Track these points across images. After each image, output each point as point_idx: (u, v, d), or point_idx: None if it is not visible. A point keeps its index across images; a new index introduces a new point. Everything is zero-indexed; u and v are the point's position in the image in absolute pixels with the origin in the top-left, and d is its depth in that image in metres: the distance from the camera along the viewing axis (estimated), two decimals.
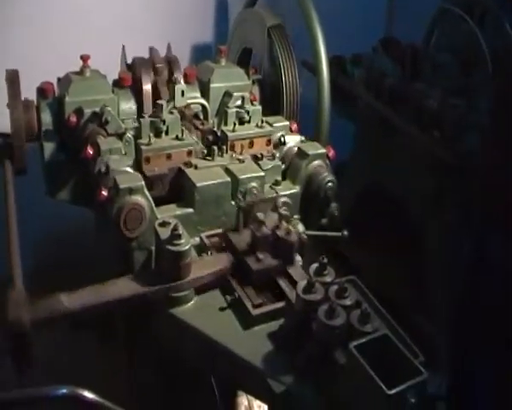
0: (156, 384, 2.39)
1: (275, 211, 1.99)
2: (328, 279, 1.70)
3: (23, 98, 2.34)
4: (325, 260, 1.71)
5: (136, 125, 2.29)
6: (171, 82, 2.44)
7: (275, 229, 1.91)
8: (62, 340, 2.54)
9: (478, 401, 2.53)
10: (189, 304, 1.84)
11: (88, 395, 1.46)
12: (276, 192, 2.23)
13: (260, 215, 1.94)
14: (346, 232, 2.10)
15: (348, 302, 1.62)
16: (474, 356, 2.54)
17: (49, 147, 2.36)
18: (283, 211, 1.97)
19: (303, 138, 2.47)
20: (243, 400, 2.25)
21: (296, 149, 2.37)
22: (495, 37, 3.19)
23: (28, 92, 2.39)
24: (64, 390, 1.44)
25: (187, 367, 2.11)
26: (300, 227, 2.06)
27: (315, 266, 1.73)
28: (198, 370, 2.09)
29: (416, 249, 3.22)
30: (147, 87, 2.45)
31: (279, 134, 2.45)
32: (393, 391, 1.35)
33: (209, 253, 1.98)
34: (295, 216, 2.19)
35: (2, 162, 2.30)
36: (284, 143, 2.42)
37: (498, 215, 2.31)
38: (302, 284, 1.65)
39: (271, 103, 2.74)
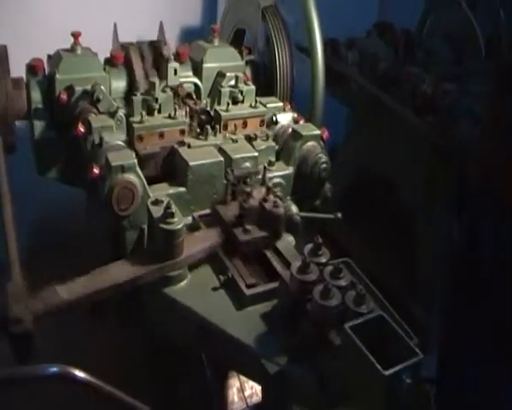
0: (147, 364, 2.38)
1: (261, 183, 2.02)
2: (322, 260, 1.68)
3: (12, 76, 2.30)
4: (320, 241, 1.69)
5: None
6: (163, 61, 2.40)
7: (262, 201, 1.91)
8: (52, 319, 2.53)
9: (466, 383, 2.54)
10: (182, 283, 1.82)
11: (79, 373, 1.44)
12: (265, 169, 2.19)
13: (248, 188, 1.95)
14: (339, 214, 2.08)
15: (343, 283, 1.60)
16: (464, 338, 2.55)
17: (38, 125, 2.32)
18: (271, 184, 1.98)
19: (295, 115, 2.45)
20: (235, 381, 2.23)
21: (290, 129, 2.34)
22: (488, 22, 3.18)
23: (18, 70, 2.35)
24: (55, 369, 1.42)
25: (179, 347, 2.09)
26: (294, 208, 2.04)
27: (309, 246, 1.71)
28: (190, 350, 2.07)
29: (406, 232, 3.22)
30: (138, 69, 2.41)
31: (271, 114, 2.42)
32: (389, 372, 1.34)
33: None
34: (288, 197, 2.16)
35: None
36: (276, 123, 2.40)
37: (492, 195, 2.31)
38: (297, 264, 1.63)
39: (264, 85, 2.71)
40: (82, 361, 1.53)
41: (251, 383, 2.22)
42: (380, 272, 2.42)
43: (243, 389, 2.24)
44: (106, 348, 2.50)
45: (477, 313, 2.47)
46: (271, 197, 1.92)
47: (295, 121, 2.44)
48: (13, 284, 1.60)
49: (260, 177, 2.10)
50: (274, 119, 2.41)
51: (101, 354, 2.43)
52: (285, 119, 2.43)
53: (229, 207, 1.97)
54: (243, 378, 2.22)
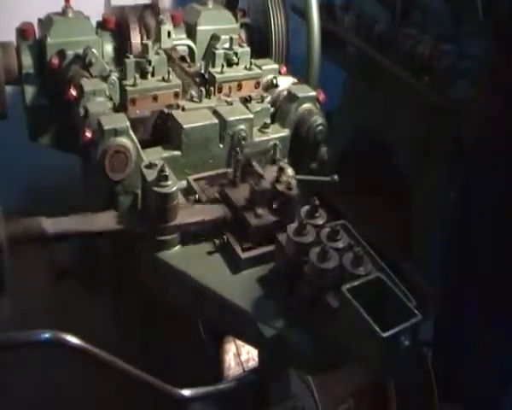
0: (142, 331, 2.37)
1: (273, 162, 1.94)
2: (319, 222, 1.65)
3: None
4: (317, 202, 1.67)
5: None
6: (158, 23, 2.37)
7: (275, 183, 1.83)
8: (46, 288, 2.52)
9: (464, 345, 2.55)
10: (176, 248, 1.79)
11: (72, 339, 1.43)
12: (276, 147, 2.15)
13: (259, 168, 1.88)
14: (335, 177, 2.06)
15: (340, 245, 1.58)
16: (462, 297, 2.55)
17: (30, 90, 2.29)
18: (283, 164, 1.91)
19: (295, 80, 2.40)
20: (231, 346, 2.22)
21: (286, 92, 2.31)
22: None
23: (7, 34, 2.30)
24: (47, 335, 1.41)
25: (174, 312, 2.07)
26: (290, 171, 2.00)
27: (306, 208, 1.68)
28: (185, 315, 2.06)
29: (403, 195, 3.22)
30: (135, 35, 2.38)
31: (270, 76, 2.38)
32: (388, 334, 1.32)
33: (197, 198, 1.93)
34: (285, 160, 2.14)
35: None
36: (276, 86, 2.35)
37: (490, 147, 2.31)
38: (293, 226, 1.60)
39: (259, 47, 2.67)
40: (74, 325, 1.52)
41: (247, 347, 2.21)
42: (376, 235, 2.40)
43: (240, 354, 2.23)
44: (99, 311, 2.49)
45: (476, 269, 2.47)
46: (284, 178, 1.84)
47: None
48: None
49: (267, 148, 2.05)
50: (274, 81, 2.36)
51: (94, 317, 2.42)
52: (285, 82, 2.38)
53: (238, 189, 1.89)
54: (239, 343, 2.21)
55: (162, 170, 1.70)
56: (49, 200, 3.06)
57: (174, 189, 1.70)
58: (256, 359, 2.09)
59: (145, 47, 2.18)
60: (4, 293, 1.58)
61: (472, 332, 2.51)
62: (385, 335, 1.31)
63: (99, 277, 2.33)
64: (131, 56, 2.18)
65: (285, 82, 2.38)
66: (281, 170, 1.86)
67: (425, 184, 3.12)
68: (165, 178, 1.69)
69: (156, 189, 1.69)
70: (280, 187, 1.82)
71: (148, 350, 2.31)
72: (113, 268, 2.22)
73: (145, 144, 2.03)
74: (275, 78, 2.38)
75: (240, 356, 2.22)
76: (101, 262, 2.25)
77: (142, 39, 2.38)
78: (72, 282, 2.42)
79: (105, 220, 1.75)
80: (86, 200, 2.30)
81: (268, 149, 2.03)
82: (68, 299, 2.54)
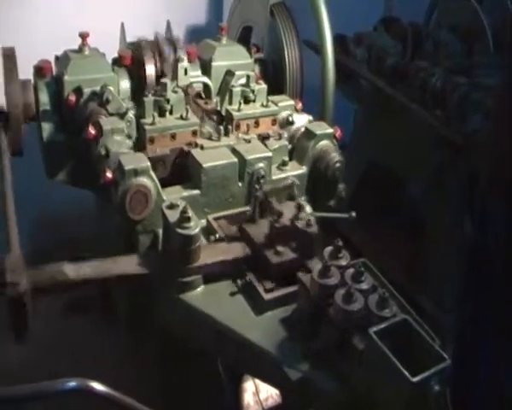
0: (160, 368, 2.36)
1: (291, 199, 1.94)
2: (343, 263, 1.65)
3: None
4: (340, 243, 1.66)
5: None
6: (175, 61, 2.38)
7: (294, 220, 1.83)
8: (60, 323, 2.51)
9: (482, 377, 2.52)
10: (198, 289, 1.78)
11: (98, 387, 1.41)
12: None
13: (278, 205, 1.87)
14: (353, 213, 2.05)
15: (365, 286, 1.58)
16: (479, 330, 2.53)
17: (47, 127, 2.29)
18: (302, 201, 1.91)
19: (311, 118, 2.41)
20: (250, 384, 2.21)
21: (303, 128, 2.31)
22: (495, 13, 3.16)
23: (25, 71, 2.32)
24: (74, 383, 1.39)
25: (193, 352, 2.06)
26: (308, 208, 2.00)
27: (329, 249, 1.68)
28: (204, 354, 2.05)
29: (417, 229, 3.20)
30: (150, 68, 2.38)
31: (285, 113, 2.39)
32: (417, 378, 1.31)
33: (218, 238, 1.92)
34: (303, 197, 2.13)
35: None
36: (292, 123, 2.36)
37: (504, 187, 2.29)
38: (317, 267, 1.60)
39: (272, 82, 2.68)
40: (93, 365, 1.51)
41: (266, 386, 2.19)
42: (390, 269, 2.39)
43: (258, 392, 2.22)
44: (116, 350, 2.47)
45: (491, 303, 2.45)
46: (303, 215, 1.84)
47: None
48: (11, 256, 1.57)
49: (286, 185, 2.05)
50: (290, 119, 2.37)
51: (112, 358, 2.41)
52: (301, 120, 2.39)
53: (257, 225, 1.88)
54: (258, 381, 2.19)
55: (184, 211, 1.69)
56: (61, 232, 3.08)
57: (197, 230, 1.69)
58: (275, 398, 2.08)
59: (163, 85, 2.19)
60: (25, 341, 1.58)
61: (490, 363, 2.49)
62: (415, 380, 1.30)
63: (115, 313, 2.32)
64: (150, 95, 2.19)
65: (301, 120, 2.39)
66: (299, 207, 1.87)
67: (438, 215, 3.11)
68: (188, 219, 1.68)
69: (179, 230, 1.68)
70: (299, 224, 1.82)
71: (168, 390, 2.29)
72: (130, 304, 2.21)
73: (163, 182, 2.03)
74: (291, 115, 2.38)
75: (259, 394, 2.21)
76: (117, 298, 2.24)
77: (157, 74, 2.39)
78: (86, 317, 2.40)
79: (127, 264, 1.74)
80: (102, 237, 2.29)
81: (286, 187, 2.03)
82: (82, 336, 2.53)
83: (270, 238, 1.82)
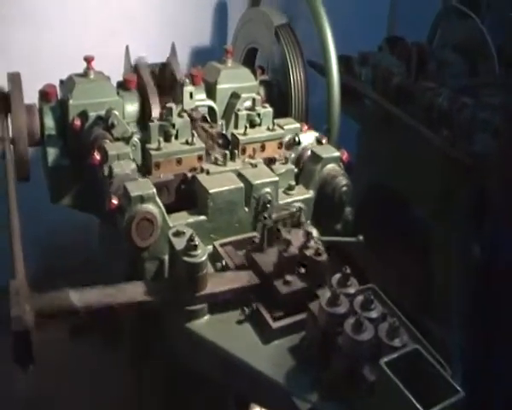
0: (165, 395, 2.33)
1: (298, 225, 1.92)
2: (351, 291, 1.63)
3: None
4: (348, 271, 1.64)
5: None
6: (178, 85, 2.36)
7: (303, 248, 1.80)
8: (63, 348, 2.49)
9: (495, 397, 2.50)
10: (205, 318, 1.76)
11: None
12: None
13: (286, 233, 1.85)
14: (361, 237, 2.03)
15: (374, 315, 1.55)
16: (488, 353, 2.51)
17: (52, 152, 2.27)
18: (310, 227, 1.88)
19: (317, 135, 2.40)
20: None
21: (309, 152, 2.30)
22: (499, 32, 3.16)
23: (30, 95, 2.31)
24: None
25: (199, 380, 2.04)
26: (315, 233, 1.98)
27: (338, 276, 1.66)
28: (210, 383, 2.02)
29: (423, 250, 3.18)
30: (153, 90, 2.37)
31: (291, 134, 2.37)
32: None
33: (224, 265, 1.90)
34: (309, 221, 2.12)
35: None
36: (299, 143, 2.34)
37: None
38: (326, 295, 1.58)
39: (277, 104, 2.66)
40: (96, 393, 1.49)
41: None
42: (396, 292, 2.38)
43: None
44: (119, 376, 2.45)
45: (500, 327, 2.43)
46: (312, 243, 1.81)
47: (318, 141, 2.39)
48: (15, 282, 1.54)
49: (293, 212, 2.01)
50: (296, 139, 2.36)
51: (115, 384, 2.38)
52: (308, 138, 2.38)
53: (266, 254, 1.86)
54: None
55: (191, 239, 1.68)
56: (65, 256, 3.06)
57: (204, 258, 1.68)
58: None
59: (169, 110, 2.18)
60: (30, 370, 1.55)
61: (501, 383, 2.47)
62: None
63: (119, 338, 2.29)
64: (155, 120, 2.17)
65: (308, 138, 2.38)
66: (308, 234, 1.84)
67: (444, 237, 3.08)
68: (195, 247, 1.67)
69: (186, 258, 1.66)
70: (308, 252, 1.80)
71: None
72: (134, 330, 2.19)
73: (169, 207, 2.02)
74: (297, 135, 2.37)
75: None
76: (121, 322, 2.22)
77: (160, 97, 2.37)
78: (89, 341, 2.38)
79: (132, 291, 1.72)
80: (106, 262, 2.27)
81: (293, 213, 2.00)
82: (86, 362, 2.50)
83: (278, 267, 1.80)
